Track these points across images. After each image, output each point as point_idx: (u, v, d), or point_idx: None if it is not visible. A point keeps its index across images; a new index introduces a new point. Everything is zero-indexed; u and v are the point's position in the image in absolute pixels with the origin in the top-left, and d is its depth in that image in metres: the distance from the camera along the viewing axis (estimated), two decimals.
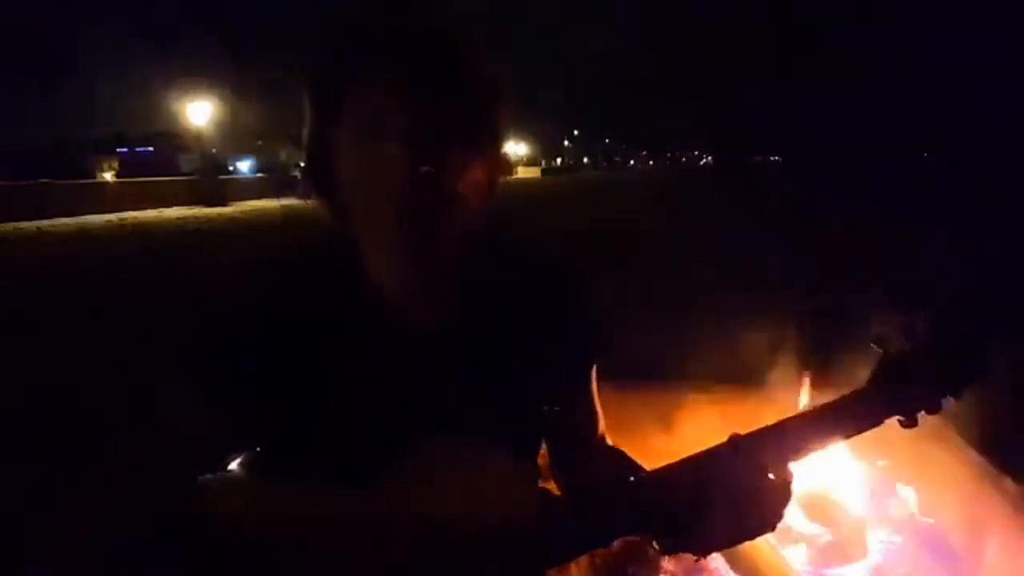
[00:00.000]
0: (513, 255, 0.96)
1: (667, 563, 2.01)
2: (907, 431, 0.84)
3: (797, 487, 0.81)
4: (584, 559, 1.97)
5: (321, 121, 0.84)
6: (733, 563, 2.20)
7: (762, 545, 2.23)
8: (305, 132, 0.86)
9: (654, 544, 0.82)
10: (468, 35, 0.83)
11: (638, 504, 0.79)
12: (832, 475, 2.39)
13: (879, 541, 2.29)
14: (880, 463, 2.45)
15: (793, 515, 2.35)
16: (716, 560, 2.21)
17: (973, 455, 2.30)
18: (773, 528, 0.81)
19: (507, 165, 0.92)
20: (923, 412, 0.83)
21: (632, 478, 0.86)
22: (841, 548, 2.24)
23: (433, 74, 0.79)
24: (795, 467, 0.81)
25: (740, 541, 0.81)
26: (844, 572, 2.21)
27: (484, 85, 0.83)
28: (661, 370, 3.30)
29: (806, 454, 0.82)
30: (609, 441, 1.03)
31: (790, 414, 0.85)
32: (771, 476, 0.80)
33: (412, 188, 0.78)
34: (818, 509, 2.31)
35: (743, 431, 0.82)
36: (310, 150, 0.86)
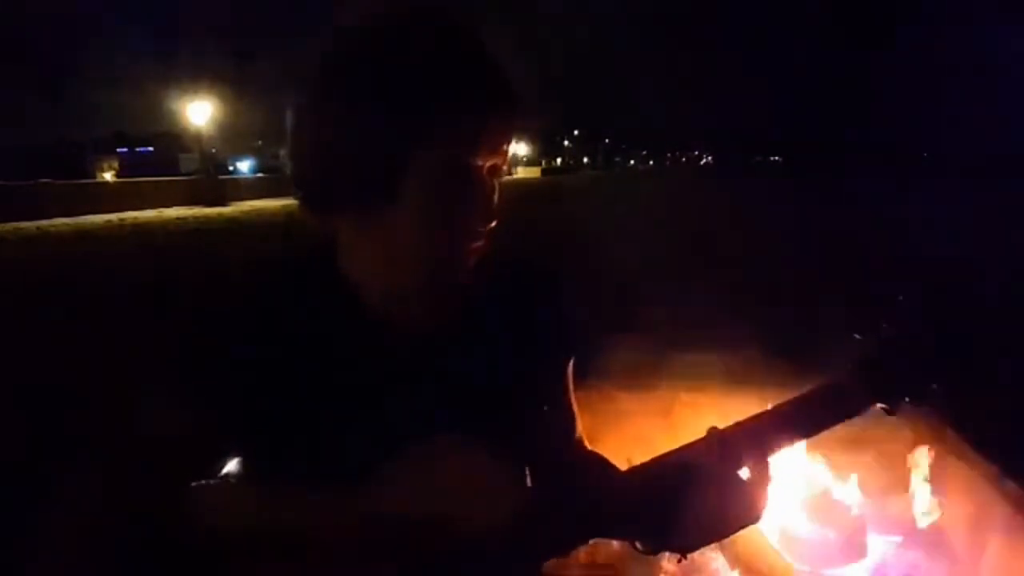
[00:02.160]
0: (499, 259, 0.95)
1: (667, 563, 2.01)
2: (907, 430, 0.83)
3: (798, 487, 0.81)
4: (583, 556, 1.97)
5: (401, 138, 0.78)
6: (733, 563, 2.20)
7: (762, 545, 2.23)
8: (369, 150, 0.78)
9: (636, 545, 0.81)
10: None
11: (617, 502, 0.78)
12: (832, 475, 2.39)
13: (879, 541, 2.29)
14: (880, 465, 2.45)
15: (793, 515, 2.35)
16: (716, 560, 2.21)
17: (973, 455, 2.30)
18: (754, 521, 0.80)
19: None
20: (907, 399, 0.82)
21: (610, 476, 0.86)
22: (841, 548, 2.24)
23: (515, 105, 0.81)
24: (795, 466, 0.81)
25: (721, 537, 0.80)
26: (844, 572, 2.22)
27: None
28: (661, 370, 3.30)
29: (790, 444, 0.81)
30: (587, 444, 1.02)
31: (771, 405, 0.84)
32: (749, 469, 0.79)
33: (493, 211, 0.82)
34: (818, 509, 2.31)
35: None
36: (373, 169, 0.79)
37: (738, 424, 0.81)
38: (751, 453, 0.79)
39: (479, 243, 0.84)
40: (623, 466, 0.97)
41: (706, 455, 0.78)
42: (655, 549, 0.81)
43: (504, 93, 0.80)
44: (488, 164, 0.81)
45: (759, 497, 0.79)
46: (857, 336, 0.83)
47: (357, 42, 0.79)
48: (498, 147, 0.81)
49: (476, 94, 0.78)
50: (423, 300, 0.88)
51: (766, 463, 0.79)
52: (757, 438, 0.80)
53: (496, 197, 0.83)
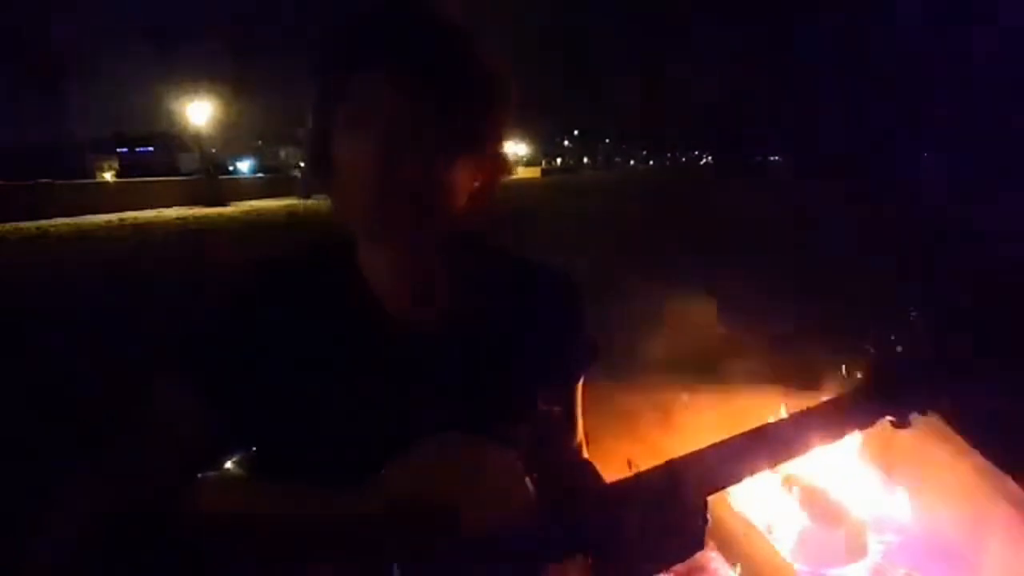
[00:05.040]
0: (511, 263, 0.96)
1: None
2: (908, 431, 0.84)
3: (798, 487, 0.81)
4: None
5: (321, 112, 0.84)
6: (733, 562, 2.20)
7: (762, 544, 2.23)
8: (307, 125, 0.85)
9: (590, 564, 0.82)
10: (474, 31, 0.83)
11: (558, 525, 0.78)
12: (833, 475, 2.39)
13: (879, 541, 2.29)
14: (881, 463, 2.45)
15: (793, 515, 2.35)
16: (716, 560, 2.21)
17: (973, 455, 2.30)
18: (688, 557, 0.80)
19: (506, 165, 0.91)
20: (915, 414, 0.83)
21: (580, 491, 0.87)
22: (841, 548, 2.24)
23: (429, 67, 0.79)
24: (795, 466, 0.81)
25: (658, 570, 0.81)
26: (844, 572, 2.22)
27: (483, 83, 0.82)
28: (661, 368, 3.30)
29: (798, 455, 0.82)
30: (585, 452, 1.03)
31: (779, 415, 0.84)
32: (686, 505, 0.78)
33: (387, 176, 0.78)
34: (818, 509, 2.31)
35: (741, 428, 0.82)
36: (311, 143, 0.85)
37: (703, 451, 0.80)
38: (720, 480, 0.79)
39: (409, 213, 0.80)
40: (622, 466, 0.97)
41: (647, 489, 0.78)
42: (600, 571, 0.81)
43: (387, 50, 0.78)
44: (381, 104, 0.78)
45: (693, 534, 0.79)
46: (870, 349, 0.83)
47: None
48: (377, 103, 0.78)
49: (362, 54, 0.79)
50: (429, 296, 0.88)
51: (703, 501, 0.79)
52: (724, 465, 0.80)
53: (388, 157, 0.78)
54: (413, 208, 0.80)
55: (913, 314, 0.83)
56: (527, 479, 0.80)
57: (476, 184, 0.85)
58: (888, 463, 2.45)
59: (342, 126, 0.81)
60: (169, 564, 0.77)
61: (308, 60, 0.85)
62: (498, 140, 0.87)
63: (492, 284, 0.91)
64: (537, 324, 0.92)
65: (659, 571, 0.81)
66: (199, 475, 0.82)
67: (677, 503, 0.78)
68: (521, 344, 0.91)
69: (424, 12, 0.82)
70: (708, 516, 0.79)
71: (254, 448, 0.88)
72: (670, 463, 0.79)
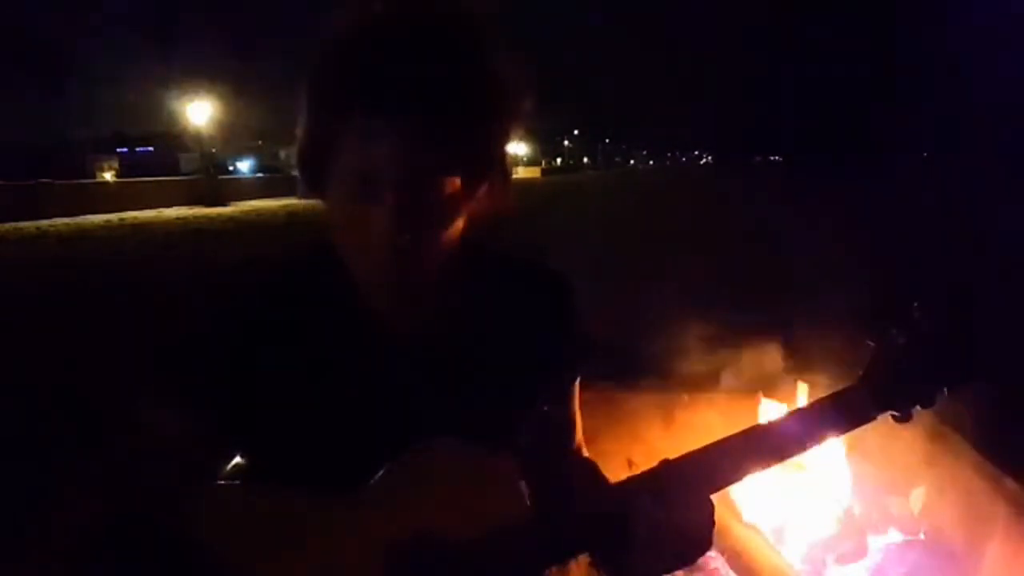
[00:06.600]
0: (505, 265, 0.95)
1: None
2: (908, 431, 0.84)
3: (797, 487, 0.81)
4: (584, 559, 1.97)
5: (320, 135, 0.80)
6: (733, 563, 2.20)
7: (762, 545, 2.24)
8: (301, 133, 0.82)
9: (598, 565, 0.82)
10: (491, 34, 0.79)
11: (560, 527, 0.78)
12: (832, 475, 2.39)
13: (879, 541, 2.29)
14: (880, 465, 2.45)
15: (793, 515, 2.35)
16: (716, 560, 2.22)
17: (973, 455, 2.30)
18: (695, 559, 0.80)
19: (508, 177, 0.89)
20: (918, 407, 0.82)
21: (582, 492, 0.87)
22: (841, 548, 2.24)
23: (442, 109, 0.74)
24: (795, 466, 0.81)
25: (667, 571, 0.80)
26: (844, 572, 2.22)
27: (501, 101, 0.79)
28: (661, 370, 3.30)
29: (800, 452, 0.81)
30: (584, 452, 1.03)
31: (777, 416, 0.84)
32: (691, 509, 0.78)
33: (399, 227, 0.76)
34: (818, 509, 2.31)
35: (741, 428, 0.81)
36: (306, 156, 0.82)
37: (698, 452, 0.80)
38: (716, 480, 0.79)
39: (412, 246, 0.77)
40: (623, 466, 0.97)
41: (648, 493, 0.78)
42: (609, 572, 0.81)
43: (396, 99, 0.74)
44: (391, 171, 0.75)
45: (699, 537, 0.79)
46: (870, 343, 0.83)
47: (320, 42, 0.80)
48: (394, 153, 0.74)
49: (368, 97, 0.74)
50: (424, 302, 0.87)
51: (707, 501, 0.79)
52: (722, 464, 0.79)
53: (417, 207, 0.76)
54: (418, 250, 0.78)
55: (916, 308, 0.83)
56: (522, 484, 0.80)
57: (480, 196, 0.83)
58: (887, 463, 2.45)
59: (349, 164, 0.77)
60: (169, 564, 0.77)
61: (309, 61, 0.81)
62: (504, 151, 0.85)
63: (487, 286, 0.91)
64: (532, 325, 0.92)
65: (663, 573, 0.81)
66: (195, 482, 0.82)
67: (681, 503, 0.77)
68: (517, 346, 0.90)
69: (436, 39, 0.77)
70: (714, 518, 0.79)
71: (248, 455, 0.88)
72: (670, 463, 0.79)
